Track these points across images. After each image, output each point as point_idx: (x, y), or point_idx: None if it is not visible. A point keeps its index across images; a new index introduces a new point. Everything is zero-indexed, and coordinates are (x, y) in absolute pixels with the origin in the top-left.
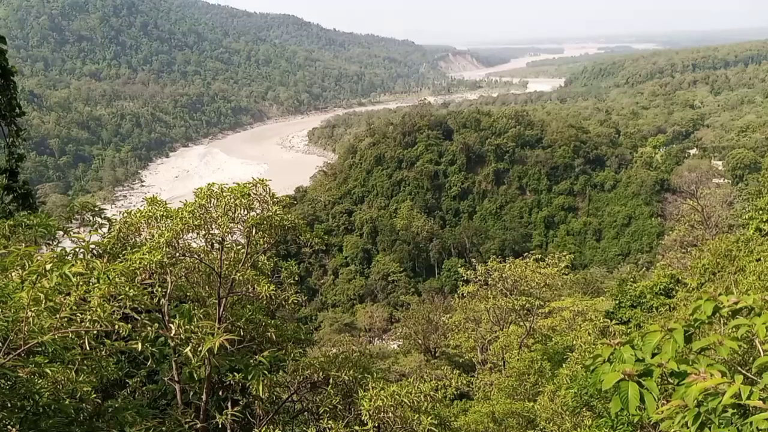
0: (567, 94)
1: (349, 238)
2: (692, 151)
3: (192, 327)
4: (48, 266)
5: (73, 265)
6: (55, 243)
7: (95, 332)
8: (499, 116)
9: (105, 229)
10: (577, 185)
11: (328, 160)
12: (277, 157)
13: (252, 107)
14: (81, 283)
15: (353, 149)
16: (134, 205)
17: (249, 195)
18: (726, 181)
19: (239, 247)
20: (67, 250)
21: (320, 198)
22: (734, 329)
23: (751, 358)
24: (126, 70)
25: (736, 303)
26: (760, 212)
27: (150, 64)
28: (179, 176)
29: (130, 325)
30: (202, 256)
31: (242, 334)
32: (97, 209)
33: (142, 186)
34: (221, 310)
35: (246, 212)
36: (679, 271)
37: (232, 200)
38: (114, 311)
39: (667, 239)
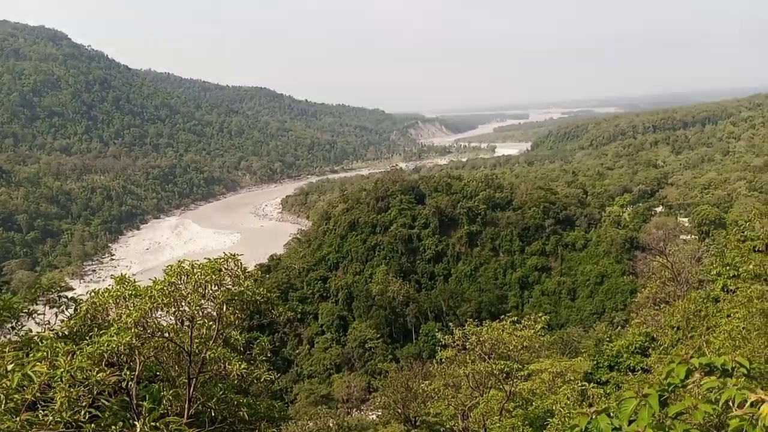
0: (534, 157)
1: (325, 305)
2: (658, 209)
3: (158, 423)
4: (9, 366)
5: (35, 363)
6: (19, 326)
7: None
8: (470, 180)
9: (72, 310)
10: (548, 245)
11: (302, 227)
12: (250, 226)
13: (225, 177)
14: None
15: (327, 215)
16: (103, 280)
17: (220, 270)
18: (693, 237)
19: (210, 322)
20: (32, 332)
21: (294, 265)
22: (708, 391)
23: (728, 419)
24: (97, 144)
25: (708, 366)
26: (727, 268)
27: (122, 137)
28: (150, 248)
29: (93, 425)
30: (171, 335)
31: (213, 414)
32: (64, 287)
33: (112, 260)
34: (191, 390)
35: (217, 288)
36: (653, 328)
37: (203, 277)
38: (80, 398)
39: (639, 297)
